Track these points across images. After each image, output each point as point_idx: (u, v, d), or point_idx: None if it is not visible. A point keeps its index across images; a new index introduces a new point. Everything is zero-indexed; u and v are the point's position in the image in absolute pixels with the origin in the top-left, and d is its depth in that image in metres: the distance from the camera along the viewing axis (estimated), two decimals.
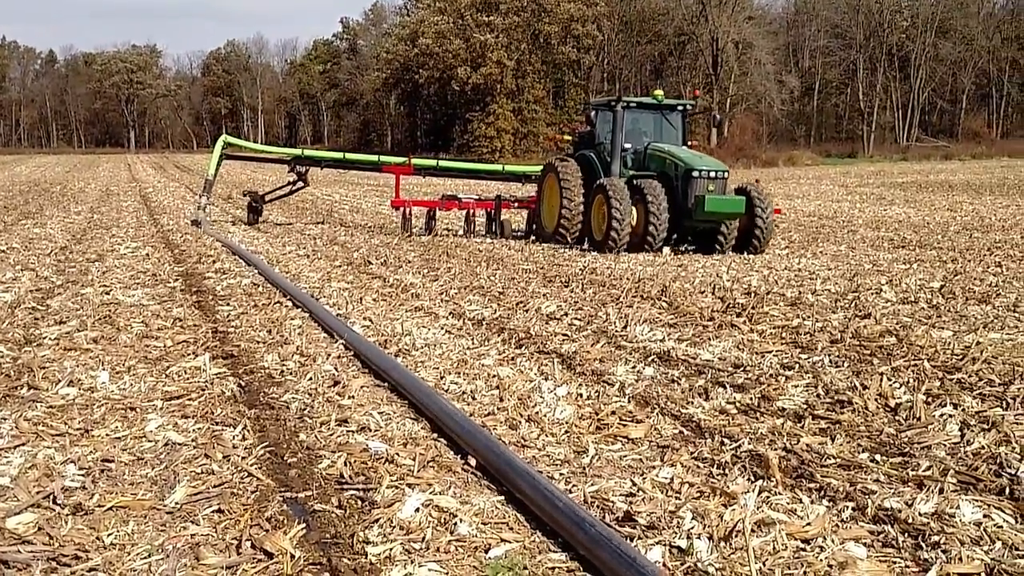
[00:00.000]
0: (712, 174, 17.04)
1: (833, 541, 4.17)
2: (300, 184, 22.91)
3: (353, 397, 6.56)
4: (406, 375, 6.89)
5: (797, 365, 7.47)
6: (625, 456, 5.45)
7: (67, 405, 6.29)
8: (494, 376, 7.14)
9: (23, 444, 5.46)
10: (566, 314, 9.98)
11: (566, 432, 5.87)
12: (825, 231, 22.15)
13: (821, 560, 3.99)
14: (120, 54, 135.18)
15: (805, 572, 3.90)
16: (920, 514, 4.47)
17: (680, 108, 18.89)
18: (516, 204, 21.92)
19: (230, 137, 24.76)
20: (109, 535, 4.28)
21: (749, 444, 5.52)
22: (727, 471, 5.11)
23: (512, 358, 7.84)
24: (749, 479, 4.97)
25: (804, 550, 4.11)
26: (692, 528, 4.30)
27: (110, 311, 9.80)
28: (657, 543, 4.18)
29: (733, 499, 4.63)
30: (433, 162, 25.73)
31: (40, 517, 4.42)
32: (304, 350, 8.00)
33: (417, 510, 4.50)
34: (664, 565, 3.99)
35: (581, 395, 6.64)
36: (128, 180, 47.71)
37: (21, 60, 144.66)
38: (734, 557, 4.00)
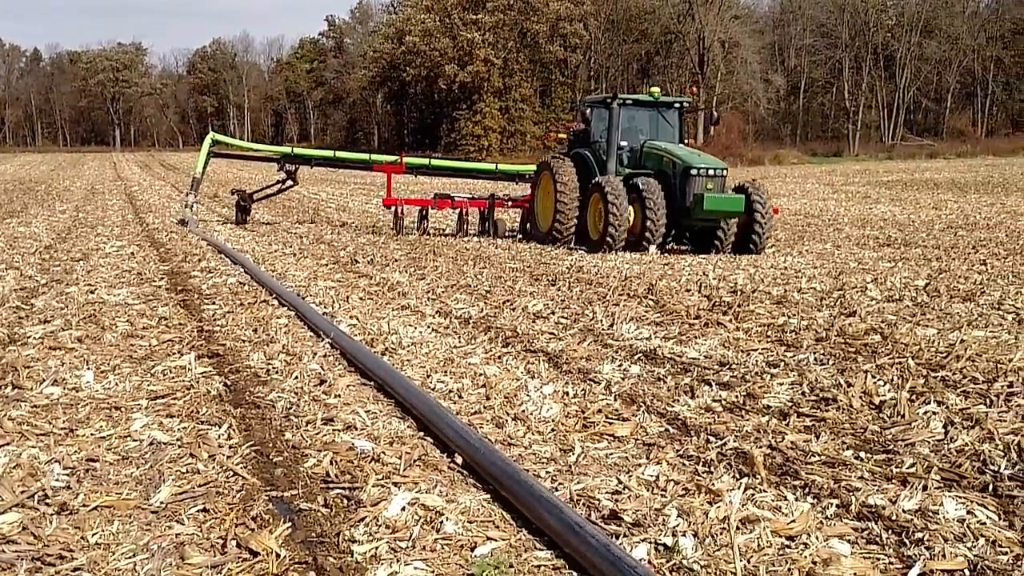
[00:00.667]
0: (711, 172, 16.83)
1: (817, 538, 4.19)
2: (289, 183, 22.63)
3: (339, 396, 6.55)
4: (393, 375, 6.88)
5: (782, 363, 7.50)
6: (611, 454, 5.46)
7: (51, 404, 6.26)
8: (480, 375, 7.14)
9: (7, 444, 5.43)
10: (553, 312, 9.99)
11: (552, 430, 5.87)
12: (811, 229, 22.23)
13: (805, 557, 4.01)
14: (105, 52, 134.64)
15: (789, 569, 3.92)
16: (904, 511, 4.49)
17: (677, 105, 18.69)
18: (510, 203, 21.64)
19: (218, 135, 24.55)
20: (94, 534, 4.26)
21: (734, 442, 5.54)
22: (712, 469, 5.13)
23: (499, 357, 7.85)
24: (734, 477, 4.99)
25: (789, 547, 4.13)
26: (677, 526, 4.32)
27: (95, 310, 9.76)
28: (643, 541, 4.19)
29: (718, 497, 4.65)
30: (425, 161, 25.51)
31: (24, 517, 4.40)
32: (290, 349, 7.98)
33: (403, 509, 4.50)
34: (649, 563, 4.00)
35: (567, 393, 6.65)
36: (113, 179, 47.52)
37: (6, 58, 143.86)
38: (719, 554, 4.02)
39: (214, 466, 5.17)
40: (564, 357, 7.85)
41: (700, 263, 14.89)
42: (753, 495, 4.70)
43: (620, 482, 4.94)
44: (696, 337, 8.64)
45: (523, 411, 6.21)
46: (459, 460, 5.23)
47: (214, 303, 10.49)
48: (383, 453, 5.32)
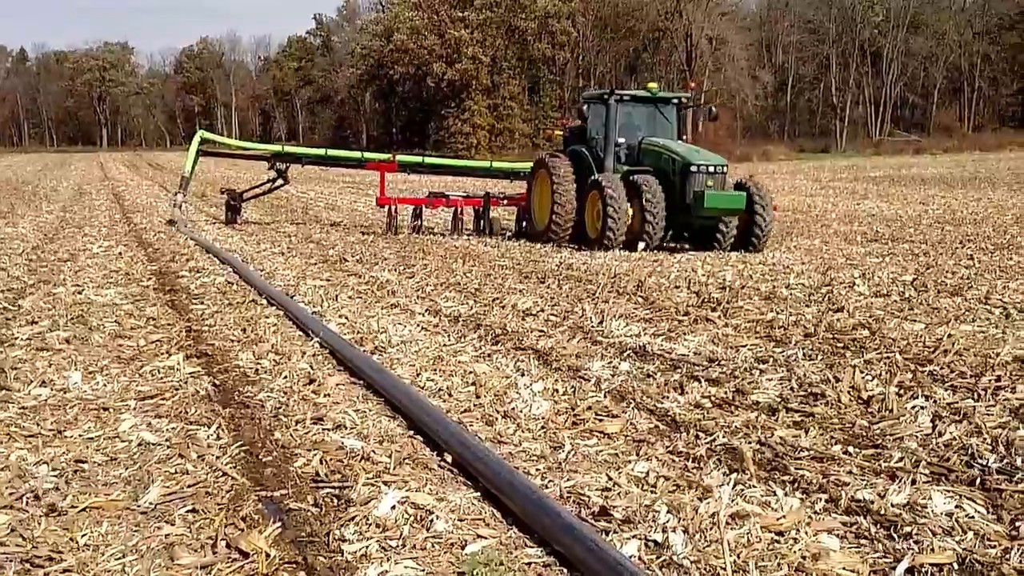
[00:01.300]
0: (711, 169, 16.49)
1: (806, 533, 4.21)
2: (280, 182, 22.27)
3: (329, 395, 6.54)
4: (382, 373, 6.88)
5: (771, 359, 7.51)
6: (601, 451, 5.47)
7: (39, 406, 6.24)
8: (470, 372, 7.14)
9: None
10: (542, 310, 10.00)
11: (542, 428, 5.88)
12: (799, 225, 22.26)
13: (795, 552, 4.03)
14: (92, 52, 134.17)
15: (779, 564, 3.93)
16: (892, 505, 4.51)
17: (675, 101, 18.35)
18: (506, 201, 21.24)
19: (207, 133, 24.26)
20: (83, 536, 4.25)
21: (724, 438, 5.55)
22: (702, 465, 5.14)
23: (488, 354, 7.85)
24: (724, 472, 5.00)
25: (778, 542, 4.14)
26: (667, 522, 4.33)
27: (83, 311, 9.73)
28: (633, 537, 4.20)
29: (708, 492, 4.66)
30: (418, 159, 25.14)
31: (13, 518, 4.39)
32: (279, 348, 7.97)
33: (393, 507, 4.50)
34: (640, 559, 4.01)
35: (557, 391, 6.66)
36: (101, 178, 47.31)
37: None
38: (709, 550, 4.03)
39: (203, 466, 5.16)
40: (554, 354, 7.86)
41: (689, 260, 14.90)
42: (743, 491, 4.71)
43: (610, 479, 4.95)
44: (685, 334, 8.65)
45: (513, 409, 6.22)
46: (449, 459, 5.23)
47: (202, 303, 10.46)
48: (373, 452, 5.31)
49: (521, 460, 5.29)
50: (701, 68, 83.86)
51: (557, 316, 9.65)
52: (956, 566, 3.96)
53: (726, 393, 6.58)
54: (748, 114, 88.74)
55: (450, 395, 6.60)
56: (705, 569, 3.88)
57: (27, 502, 4.60)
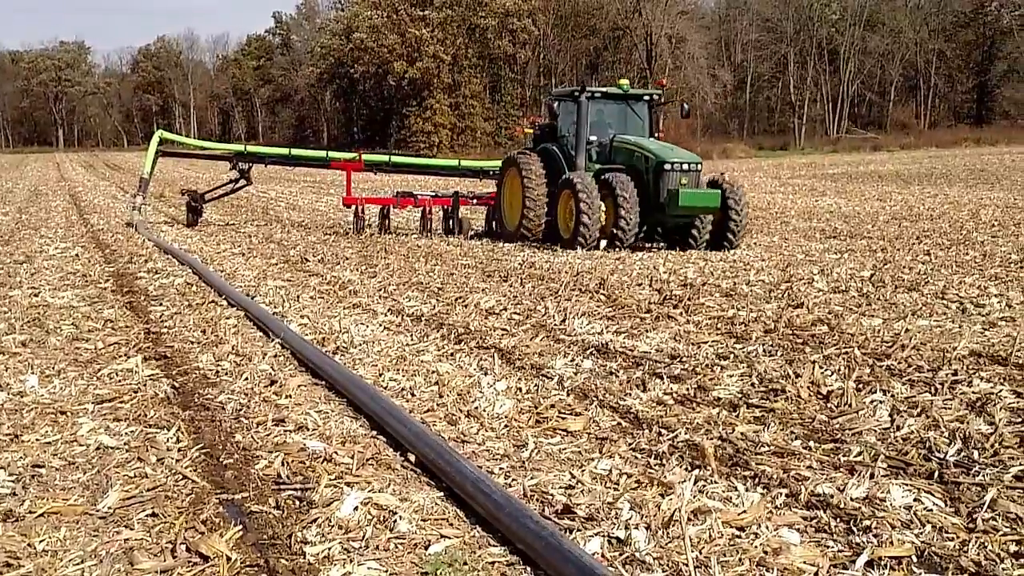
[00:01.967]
0: (685, 166, 16.33)
1: (767, 528, 4.24)
2: (243, 182, 21.82)
3: (290, 396, 6.50)
4: (345, 374, 6.85)
5: (732, 355, 7.57)
6: (564, 449, 5.48)
7: None
8: (433, 372, 7.13)
9: None
10: (505, 309, 10.00)
11: (506, 426, 5.88)
12: (759, 222, 22.45)
13: (756, 547, 4.05)
14: (48, 51, 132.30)
15: (740, 559, 3.96)
16: (852, 499, 4.56)
17: (647, 98, 18.14)
18: (475, 201, 20.94)
19: (167, 133, 23.88)
20: (41, 541, 4.19)
21: (686, 434, 5.58)
22: (664, 461, 5.16)
23: (451, 354, 7.84)
24: (686, 469, 5.03)
25: (739, 537, 4.17)
26: (630, 519, 4.34)
27: (39, 313, 9.60)
28: (596, 534, 4.21)
29: (670, 489, 4.68)
30: (385, 158, 24.70)
31: None
32: (240, 350, 7.90)
33: (356, 509, 4.47)
34: (603, 556, 4.02)
35: (520, 389, 6.66)
36: (57, 179, 46.69)
37: None
38: (671, 546, 4.05)
39: (163, 470, 5.11)
40: (517, 353, 7.87)
41: (651, 257, 14.98)
42: (704, 487, 4.74)
43: (573, 476, 4.96)
44: (647, 331, 8.69)
45: (476, 408, 6.21)
46: (397, 447, 5.22)
47: (161, 304, 10.36)
48: (335, 453, 5.28)
49: (484, 459, 5.29)
50: (661, 67, 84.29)
51: (520, 315, 9.65)
52: (915, 559, 4.00)
53: (688, 390, 6.62)
54: (708, 112, 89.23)
55: (413, 395, 6.58)
56: (668, 565, 3.90)
57: None
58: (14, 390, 6.61)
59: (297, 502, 4.65)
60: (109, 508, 4.59)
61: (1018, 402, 5.99)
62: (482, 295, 10.80)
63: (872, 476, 4.83)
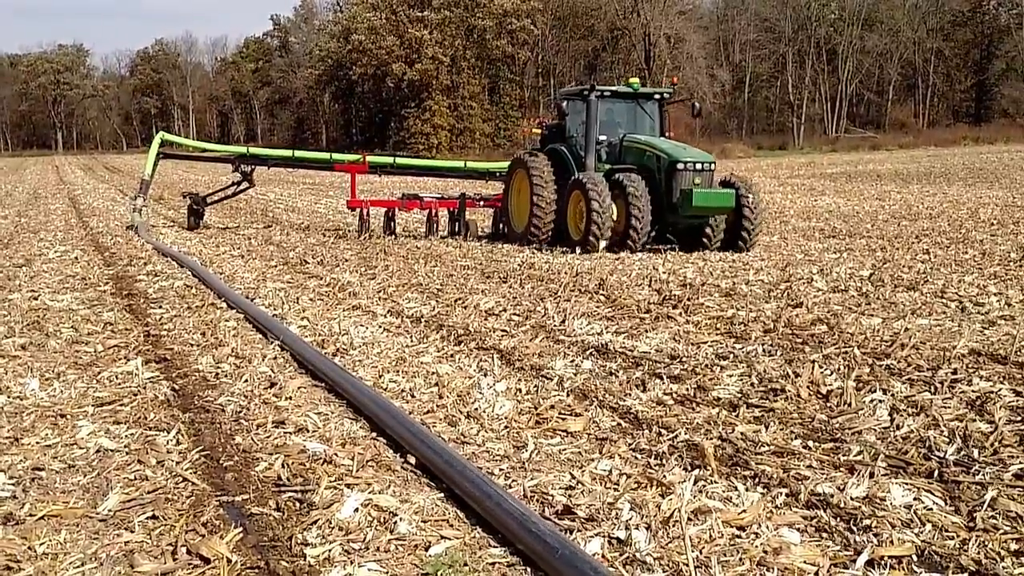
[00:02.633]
0: (698, 166, 15.96)
1: (767, 527, 4.24)
2: (245, 185, 21.56)
3: (290, 398, 6.50)
4: (345, 377, 6.85)
5: (732, 355, 7.57)
6: (564, 449, 5.48)
7: None
8: (433, 373, 7.13)
9: None
10: (504, 310, 10.00)
11: (505, 427, 5.88)
12: None
13: (756, 546, 4.06)
14: (46, 55, 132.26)
15: (741, 559, 3.96)
16: (852, 498, 4.56)
17: (657, 97, 17.78)
18: (482, 203, 20.51)
19: (168, 135, 23.69)
20: (41, 544, 4.19)
21: (685, 434, 5.58)
22: (664, 461, 5.17)
23: (451, 355, 7.84)
24: (686, 469, 5.03)
25: (739, 537, 4.17)
26: (630, 519, 4.34)
27: (39, 316, 9.60)
28: (596, 535, 4.21)
29: (670, 489, 4.68)
30: (389, 159, 24.39)
31: None
32: (239, 352, 7.90)
33: (356, 510, 4.47)
34: (603, 557, 4.02)
35: (520, 390, 6.66)
36: (56, 182, 46.69)
37: None
38: (671, 546, 4.05)
39: (163, 472, 5.11)
40: (516, 354, 7.87)
41: (650, 258, 14.97)
42: (704, 487, 4.74)
43: (573, 477, 4.96)
44: (647, 331, 8.69)
45: (476, 409, 6.21)
46: (397, 449, 5.22)
47: (161, 307, 10.36)
48: (336, 455, 5.29)
49: (484, 460, 5.29)
50: (660, 67, 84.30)
51: (519, 315, 9.65)
52: (915, 558, 4.01)
53: (687, 390, 6.62)
54: (706, 112, 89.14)
55: (413, 396, 6.58)
56: (668, 565, 3.90)
57: None
58: (14, 393, 6.61)
59: (297, 504, 4.65)
60: (109, 511, 4.59)
61: (1018, 401, 5.99)
62: (481, 296, 10.80)
63: (872, 475, 4.83)
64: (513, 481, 4.94)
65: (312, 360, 7.37)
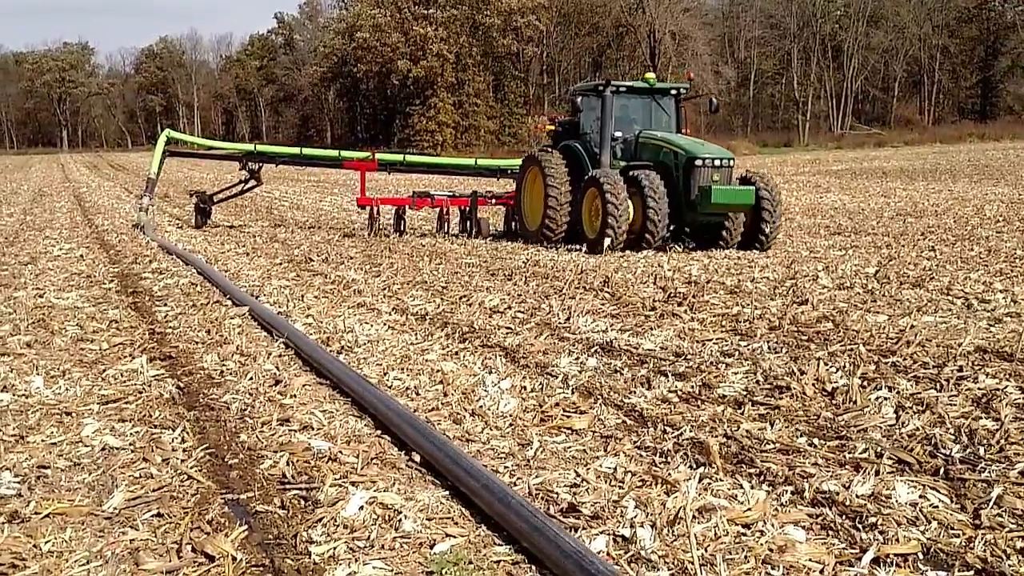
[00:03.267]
0: (717, 162, 15.55)
1: (773, 525, 4.24)
2: (253, 183, 21.38)
3: (295, 396, 6.50)
4: (349, 373, 6.85)
5: (737, 352, 7.56)
6: (569, 447, 5.48)
7: (1, 411, 6.15)
8: (438, 371, 7.13)
9: None
10: (509, 307, 10.00)
11: (510, 425, 5.88)
12: None
13: (761, 544, 4.05)
14: (51, 52, 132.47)
15: (746, 557, 3.95)
16: (857, 496, 4.55)
17: (673, 92, 17.38)
18: (494, 201, 19.97)
19: (174, 132, 23.53)
20: (47, 542, 4.20)
21: (690, 432, 5.58)
22: (669, 459, 5.16)
23: (456, 352, 7.84)
24: (691, 466, 5.03)
25: (745, 535, 4.17)
26: (635, 517, 4.34)
27: (44, 314, 9.61)
28: (601, 533, 4.21)
29: (675, 487, 4.67)
30: (399, 156, 23.94)
31: None
32: (244, 349, 7.91)
33: (361, 508, 4.48)
34: (608, 554, 4.02)
35: (525, 388, 6.66)
36: (62, 180, 46.73)
37: None
38: (677, 544, 4.04)
39: (168, 470, 5.11)
40: (521, 351, 7.86)
41: (655, 255, 14.95)
42: (709, 484, 4.73)
43: (578, 475, 4.95)
44: (652, 329, 8.68)
45: (481, 406, 6.21)
46: (402, 447, 5.22)
47: (166, 305, 10.37)
48: (340, 452, 5.29)
49: (489, 458, 5.29)
50: (665, 64, 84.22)
51: (524, 313, 9.65)
52: (921, 556, 4.00)
53: (692, 387, 6.61)
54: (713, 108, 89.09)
55: (417, 394, 6.58)
56: (673, 563, 3.90)
57: None
58: (19, 391, 6.62)
59: (302, 502, 4.65)
60: (114, 509, 4.60)
61: None
62: (486, 294, 10.79)
63: (877, 473, 4.82)
64: (518, 479, 4.93)
65: (317, 358, 7.38)
